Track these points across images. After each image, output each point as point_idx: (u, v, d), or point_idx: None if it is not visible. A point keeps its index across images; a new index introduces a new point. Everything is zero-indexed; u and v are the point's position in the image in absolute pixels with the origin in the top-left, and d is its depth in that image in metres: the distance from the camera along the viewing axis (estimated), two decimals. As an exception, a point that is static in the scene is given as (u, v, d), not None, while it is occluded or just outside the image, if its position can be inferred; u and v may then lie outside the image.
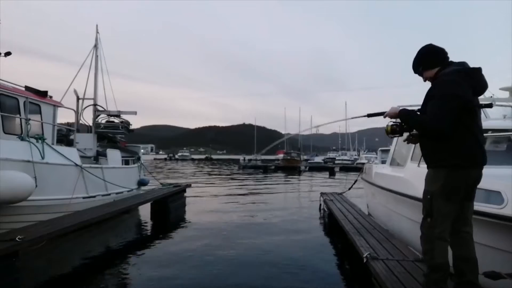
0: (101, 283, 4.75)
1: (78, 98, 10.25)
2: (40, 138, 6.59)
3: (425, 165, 2.92)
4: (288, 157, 46.67)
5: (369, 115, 3.24)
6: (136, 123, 13.66)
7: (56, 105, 7.94)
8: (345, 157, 55.11)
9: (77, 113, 10.11)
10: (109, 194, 8.91)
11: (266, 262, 5.63)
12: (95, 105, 10.86)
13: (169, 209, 10.00)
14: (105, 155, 9.77)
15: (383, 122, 3.06)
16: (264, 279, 4.86)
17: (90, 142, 9.98)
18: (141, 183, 11.50)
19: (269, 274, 5.06)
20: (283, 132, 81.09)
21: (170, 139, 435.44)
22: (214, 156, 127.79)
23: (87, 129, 10.67)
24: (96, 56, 10.97)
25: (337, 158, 55.62)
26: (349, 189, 11.07)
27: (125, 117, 11.68)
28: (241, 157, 66.47)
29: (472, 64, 2.82)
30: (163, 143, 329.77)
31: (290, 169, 39.30)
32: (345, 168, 41.15)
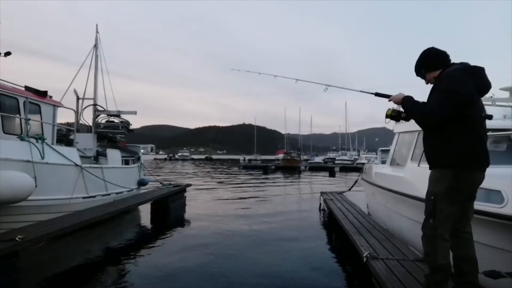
0: (101, 283, 4.74)
1: (78, 98, 10.26)
2: (40, 138, 6.58)
3: (426, 165, 2.92)
4: (288, 157, 46.74)
5: (377, 94, 3.33)
6: (136, 123, 13.68)
7: (56, 105, 7.93)
8: (345, 157, 55.04)
9: (77, 113, 10.11)
10: (109, 194, 8.91)
11: (265, 260, 5.64)
12: (95, 105, 10.86)
13: (169, 209, 10.01)
14: (105, 155, 9.77)
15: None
16: (264, 277, 4.87)
17: (90, 142, 9.98)
18: (141, 183, 11.49)
19: (269, 272, 5.06)
20: (283, 132, 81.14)
21: (170, 139, 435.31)
22: (214, 156, 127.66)
23: (87, 129, 10.68)
24: (96, 56, 10.98)
25: (337, 158, 55.55)
26: (349, 189, 11.08)
27: (125, 117, 11.69)
28: (241, 157, 66.49)
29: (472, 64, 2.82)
30: (163, 143, 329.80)
31: (290, 169, 39.29)
32: (345, 168, 41.08)
